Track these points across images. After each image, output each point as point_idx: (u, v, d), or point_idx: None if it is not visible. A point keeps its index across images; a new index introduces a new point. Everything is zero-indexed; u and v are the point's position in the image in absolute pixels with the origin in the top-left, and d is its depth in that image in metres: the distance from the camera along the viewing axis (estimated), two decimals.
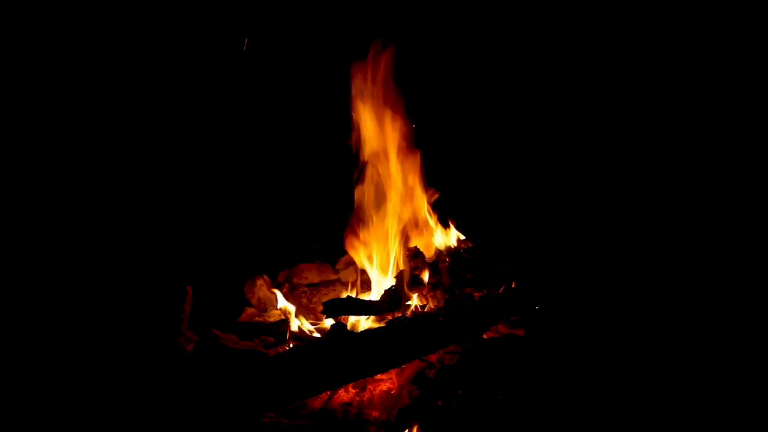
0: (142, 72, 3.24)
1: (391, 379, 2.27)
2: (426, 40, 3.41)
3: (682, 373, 2.24)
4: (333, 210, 3.19)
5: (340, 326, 2.26)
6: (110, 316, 2.43)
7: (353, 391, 2.23)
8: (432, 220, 2.86)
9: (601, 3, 3.46)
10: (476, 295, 2.49)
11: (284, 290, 3.05)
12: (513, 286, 2.59)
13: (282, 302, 2.65)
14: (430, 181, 2.88)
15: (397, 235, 2.82)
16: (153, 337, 2.32)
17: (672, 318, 2.55)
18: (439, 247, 2.78)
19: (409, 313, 2.47)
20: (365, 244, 2.81)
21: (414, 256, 2.62)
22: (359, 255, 2.81)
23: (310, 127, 3.57)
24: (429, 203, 2.88)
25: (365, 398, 2.20)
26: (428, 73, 3.39)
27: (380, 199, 2.85)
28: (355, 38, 3.19)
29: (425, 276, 2.58)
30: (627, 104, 3.49)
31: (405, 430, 2.01)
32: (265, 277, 2.95)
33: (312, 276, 3.12)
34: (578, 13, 3.49)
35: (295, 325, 2.52)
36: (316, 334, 2.53)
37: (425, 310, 2.52)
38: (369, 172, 2.82)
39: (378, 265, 2.79)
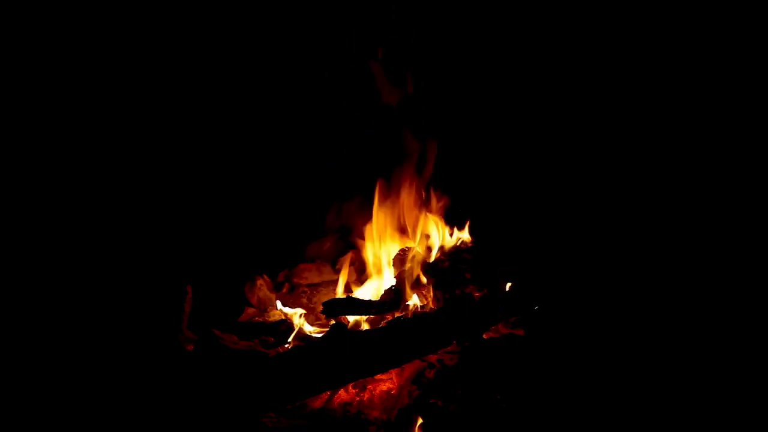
0: (141, 71, 3.24)
1: (391, 379, 2.27)
2: (425, 40, 3.41)
3: (682, 372, 2.24)
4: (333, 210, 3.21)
5: (340, 326, 2.26)
6: (110, 315, 2.43)
7: (353, 391, 2.23)
8: (433, 220, 2.86)
9: (601, 3, 3.46)
10: (476, 295, 2.49)
11: (284, 290, 3.05)
12: (513, 286, 2.60)
13: (286, 309, 2.66)
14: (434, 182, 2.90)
15: (397, 235, 2.82)
16: (153, 337, 2.32)
17: (671, 317, 2.55)
18: (439, 247, 2.78)
19: (409, 313, 2.47)
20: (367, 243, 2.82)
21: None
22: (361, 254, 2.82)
23: (310, 126, 3.57)
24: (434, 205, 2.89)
25: (365, 398, 2.20)
26: (428, 73, 3.38)
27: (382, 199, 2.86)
28: (356, 37, 3.20)
29: (425, 276, 2.58)
30: (626, 105, 3.49)
31: (408, 426, 2.01)
32: (265, 277, 2.95)
33: (312, 276, 3.12)
34: (579, 11, 3.49)
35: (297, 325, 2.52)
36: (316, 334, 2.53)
37: (425, 309, 2.52)
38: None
39: (379, 265, 2.79)
